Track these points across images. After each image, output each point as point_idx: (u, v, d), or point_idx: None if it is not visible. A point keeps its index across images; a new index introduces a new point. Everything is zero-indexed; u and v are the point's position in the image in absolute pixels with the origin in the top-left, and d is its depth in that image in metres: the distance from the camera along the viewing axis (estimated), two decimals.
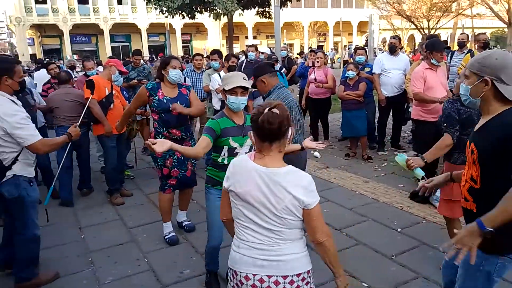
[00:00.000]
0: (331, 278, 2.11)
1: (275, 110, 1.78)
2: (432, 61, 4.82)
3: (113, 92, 5.03)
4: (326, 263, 1.92)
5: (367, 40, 28.88)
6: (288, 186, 1.78)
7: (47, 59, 7.87)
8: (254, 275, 1.86)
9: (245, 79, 2.91)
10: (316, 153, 6.88)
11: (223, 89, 2.89)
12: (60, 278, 3.53)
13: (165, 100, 3.93)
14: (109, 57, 6.30)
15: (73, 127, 3.48)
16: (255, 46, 7.78)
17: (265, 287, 1.84)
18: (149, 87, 3.98)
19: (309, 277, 1.91)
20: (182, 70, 6.31)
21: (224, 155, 2.96)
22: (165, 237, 4.12)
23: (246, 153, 2.96)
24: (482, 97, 1.94)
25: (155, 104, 3.93)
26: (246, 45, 32.61)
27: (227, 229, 2.19)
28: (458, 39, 7.11)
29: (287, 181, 1.80)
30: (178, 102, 3.95)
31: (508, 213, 1.76)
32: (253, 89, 3.42)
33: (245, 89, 2.89)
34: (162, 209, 4.14)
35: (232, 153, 2.95)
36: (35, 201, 3.33)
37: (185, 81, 6.01)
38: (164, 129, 3.98)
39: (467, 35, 7.40)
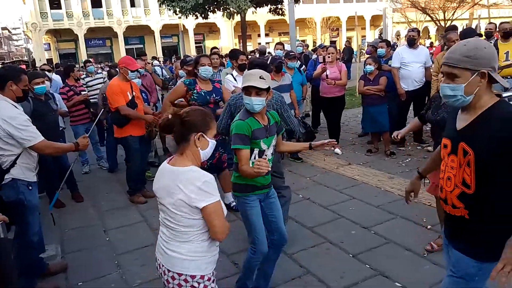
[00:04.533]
0: None
1: (169, 115, 2.00)
2: None
3: (134, 93, 5.03)
4: None
5: (380, 34, 28.53)
6: (182, 183, 1.90)
7: (69, 64, 7.98)
8: (158, 258, 2.11)
9: (262, 78, 2.66)
10: (337, 150, 6.78)
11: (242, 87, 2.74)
12: (88, 282, 3.54)
13: (203, 93, 4.48)
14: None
15: (82, 137, 3.54)
16: (282, 44, 7.79)
17: (161, 272, 2.07)
18: (187, 82, 4.53)
19: (197, 282, 2.00)
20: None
21: (254, 158, 2.75)
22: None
23: (271, 153, 2.89)
24: (476, 92, 1.77)
25: (195, 97, 4.47)
26: (259, 43, 32.48)
27: None
28: (486, 29, 6.92)
29: (182, 178, 1.92)
30: (214, 95, 4.54)
31: None
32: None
33: (259, 89, 2.64)
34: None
35: (262, 156, 2.79)
36: (34, 206, 3.31)
37: None
38: None
39: (495, 24, 7.16)
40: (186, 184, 1.90)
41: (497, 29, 6.71)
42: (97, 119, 4.78)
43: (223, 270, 3.51)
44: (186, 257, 1.98)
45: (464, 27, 27.87)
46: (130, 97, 4.96)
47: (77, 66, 20.25)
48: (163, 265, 2.05)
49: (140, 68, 6.23)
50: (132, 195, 5.31)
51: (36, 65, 27.12)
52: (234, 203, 4.63)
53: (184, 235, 1.98)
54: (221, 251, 3.80)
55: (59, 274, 3.67)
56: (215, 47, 7.20)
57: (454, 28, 7.13)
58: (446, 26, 26.29)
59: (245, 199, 2.85)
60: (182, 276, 1.98)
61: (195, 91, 4.46)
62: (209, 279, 2.05)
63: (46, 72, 7.40)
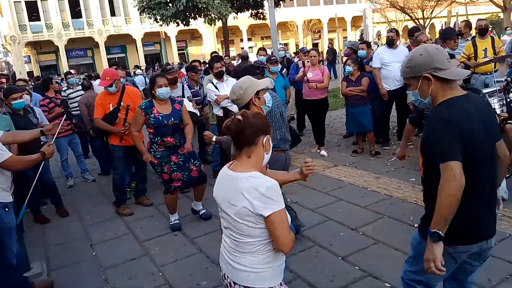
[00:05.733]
0: None
1: (238, 117, 1.89)
2: (446, 50, 4.80)
3: (122, 104, 4.98)
4: None
5: (361, 35, 28.81)
6: (245, 190, 1.80)
7: (48, 76, 8.00)
8: (222, 267, 2.04)
9: None
10: (323, 152, 6.81)
11: (257, 92, 2.77)
12: None
13: (160, 117, 4.21)
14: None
15: (47, 146, 3.43)
16: (265, 50, 7.84)
17: (227, 283, 2.00)
18: (143, 107, 4.26)
19: None
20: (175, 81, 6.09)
21: None
22: (170, 223, 4.59)
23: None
24: (431, 93, 1.98)
25: (152, 122, 4.22)
26: (241, 48, 32.52)
27: None
28: (459, 28, 7.03)
29: (246, 185, 1.81)
30: (172, 118, 4.25)
31: (442, 211, 1.85)
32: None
33: None
34: (168, 205, 4.59)
35: None
36: (11, 228, 3.21)
37: (183, 88, 5.97)
38: (159, 138, 4.27)
39: (465, 22, 7.29)
40: (250, 191, 1.79)
41: (475, 27, 6.84)
42: (61, 124, 4.52)
43: (213, 280, 3.49)
44: (251, 270, 1.88)
45: (443, 25, 28.33)
46: (111, 109, 4.94)
47: (58, 78, 20.07)
48: (227, 276, 1.97)
49: (122, 78, 6.22)
50: (117, 207, 5.26)
51: (17, 79, 26.74)
52: (204, 210, 4.68)
53: (247, 246, 1.87)
54: (211, 261, 3.80)
55: None
56: (195, 60, 7.23)
57: (417, 30, 7.24)
58: (425, 24, 26.74)
59: None
60: (237, 285, 1.92)
61: (152, 115, 4.18)
62: None
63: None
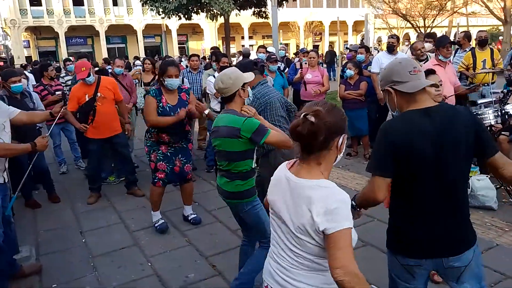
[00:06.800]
0: None
1: (311, 118, 1.52)
2: (440, 57, 4.86)
3: (98, 95, 4.98)
4: None
5: (362, 40, 28.90)
6: (310, 202, 1.53)
7: (46, 62, 7.98)
8: (271, 286, 1.74)
9: None
10: None
11: (243, 84, 2.75)
12: (62, 284, 3.48)
13: (167, 108, 4.08)
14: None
15: (41, 137, 3.29)
16: (265, 47, 7.97)
17: None
18: (153, 94, 4.10)
19: None
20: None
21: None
22: (155, 225, 4.37)
23: None
24: (397, 106, 1.99)
25: (159, 112, 4.06)
26: (242, 45, 32.48)
27: None
28: (458, 39, 7.09)
29: (311, 196, 1.53)
30: (178, 110, 4.10)
31: (362, 195, 2.03)
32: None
33: None
34: (152, 200, 4.40)
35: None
36: None
37: (183, 82, 5.98)
38: (155, 130, 4.15)
39: (464, 32, 7.35)
40: (315, 203, 1.51)
41: (475, 38, 6.90)
42: (57, 118, 4.49)
43: (201, 273, 3.51)
44: None
45: (444, 34, 28.42)
46: (87, 99, 4.96)
47: (57, 64, 19.98)
48: None
49: (120, 68, 6.25)
50: (91, 191, 5.39)
51: (15, 63, 26.57)
52: (194, 216, 4.52)
53: (316, 265, 1.60)
54: (200, 254, 3.82)
55: (32, 276, 3.59)
56: (194, 54, 7.27)
57: (433, 35, 7.28)
58: (426, 33, 26.85)
59: (256, 201, 2.85)
60: None
61: (160, 104, 4.05)
62: None
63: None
